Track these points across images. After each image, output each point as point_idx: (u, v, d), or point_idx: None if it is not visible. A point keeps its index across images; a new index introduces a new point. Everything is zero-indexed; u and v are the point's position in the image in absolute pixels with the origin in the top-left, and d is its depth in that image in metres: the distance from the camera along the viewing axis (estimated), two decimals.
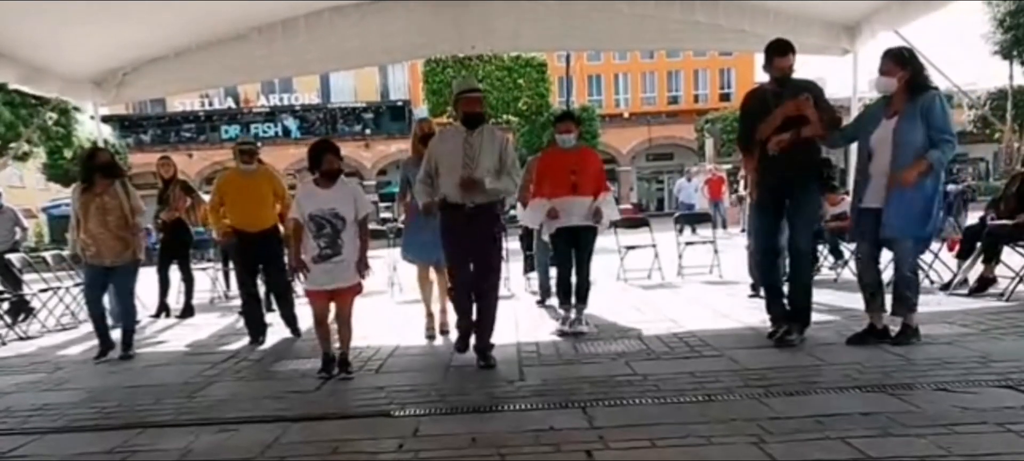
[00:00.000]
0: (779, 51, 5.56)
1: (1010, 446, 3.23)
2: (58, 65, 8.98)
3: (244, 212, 7.00)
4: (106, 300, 7.00)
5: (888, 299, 5.49)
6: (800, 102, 5.35)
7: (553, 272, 8.24)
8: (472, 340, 5.62)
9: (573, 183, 6.46)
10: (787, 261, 5.85)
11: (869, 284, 5.48)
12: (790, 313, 5.71)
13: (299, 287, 6.40)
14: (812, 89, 5.54)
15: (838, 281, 8.88)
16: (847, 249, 9.11)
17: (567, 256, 6.68)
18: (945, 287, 7.54)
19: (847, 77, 9.91)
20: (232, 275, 11.31)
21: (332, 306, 5.38)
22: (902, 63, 5.16)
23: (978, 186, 34.45)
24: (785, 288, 5.84)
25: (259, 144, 7.81)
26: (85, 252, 6.57)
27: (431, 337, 6.84)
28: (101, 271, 6.61)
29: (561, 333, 6.53)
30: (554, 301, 8.04)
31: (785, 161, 5.44)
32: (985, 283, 7.33)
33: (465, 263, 5.53)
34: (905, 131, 5.06)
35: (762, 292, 7.72)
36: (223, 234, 7.20)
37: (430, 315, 6.93)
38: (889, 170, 5.10)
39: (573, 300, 6.69)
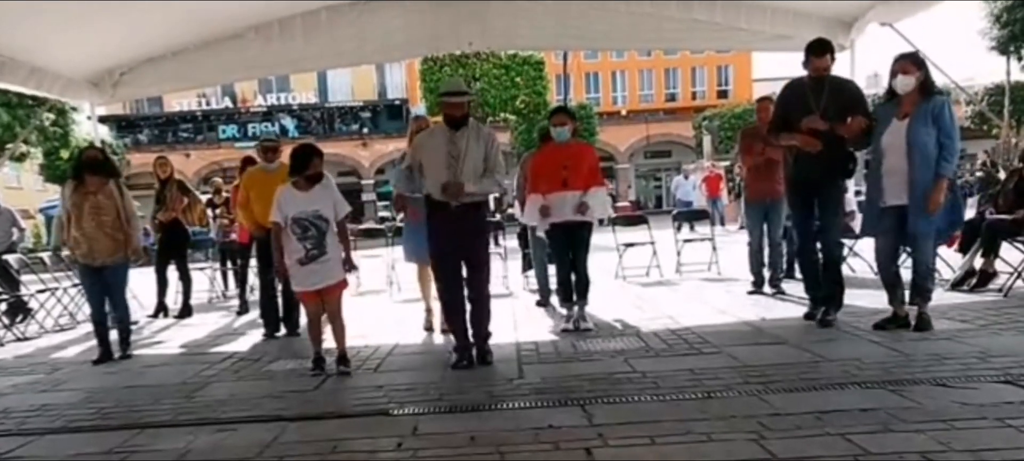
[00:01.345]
0: (817, 51, 5.78)
1: (1009, 441, 3.22)
2: (54, 65, 8.97)
3: (265, 208, 7.02)
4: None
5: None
6: (851, 126, 5.58)
7: (552, 270, 8.24)
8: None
9: (564, 178, 6.39)
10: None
11: (889, 279, 5.71)
12: (825, 298, 6.10)
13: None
14: (852, 90, 5.89)
15: None
16: (845, 245, 9.10)
17: (564, 254, 6.62)
18: (955, 286, 7.47)
19: (844, 73, 9.89)
20: (230, 275, 11.38)
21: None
22: (918, 65, 5.40)
23: (975, 182, 34.47)
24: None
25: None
26: (75, 251, 6.48)
27: (429, 329, 6.86)
28: (94, 271, 6.52)
29: (564, 331, 6.51)
30: (555, 300, 8.04)
31: (815, 158, 5.68)
32: (986, 277, 7.33)
33: (452, 262, 5.46)
34: (918, 133, 5.27)
35: (766, 288, 8.00)
36: (253, 228, 7.34)
37: (429, 311, 6.95)
38: (907, 169, 5.32)
39: (573, 297, 6.65)
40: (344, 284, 5.59)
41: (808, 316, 6.23)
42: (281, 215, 5.34)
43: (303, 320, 7.25)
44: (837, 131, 5.61)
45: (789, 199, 6.26)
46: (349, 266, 5.58)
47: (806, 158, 5.78)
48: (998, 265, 7.34)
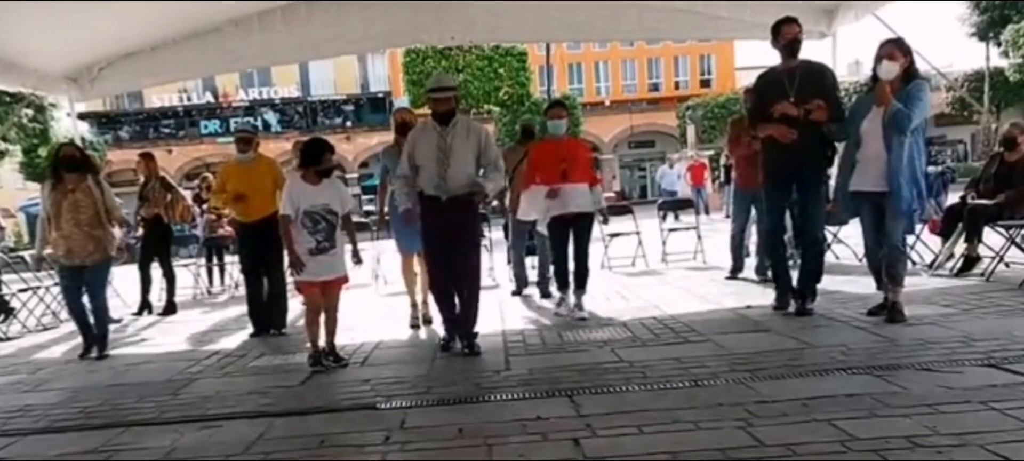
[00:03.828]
0: (785, 21, 5.85)
1: (994, 424, 3.25)
2: (32, 60, 8.87)
3: (243, 201, 7.00)
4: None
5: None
6: (813, 112, 5.58)
7: (530, 262, 8.32)
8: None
9: (564, 171, 6.50)
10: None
11: (876, 264, 5.73)
12: (797, 291, 6.08)
13: (288, 280, 6.45)
14: (825, 74, 5.83)
15: None
16: (829, 233, 9.15)
17: (563, 245, 6.71)
18: (930, 266, 7.57)
19: (825, 60, 9.90)
20: (215, 272, 11.34)
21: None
22: (905, 52, 5.38)
23: (957, 168, 34.81)
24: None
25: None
26: (56, 251, 6.36)
27: (416, 327, 6.84)
28: (75, 271, 6.41)
29: (557, 315, 6.62)
30: (530, 291, 8.20)
31: (793, 151, 5.67)
32: (970, 262, 7.39)
33: (444, 255, 5.56)
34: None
35: (743, 274, 8.12)
36: (225, 208, 7.44)
37: (415, 306, 6.94)
38: (884, 155, 5.29)
39: (572, 286, 6.75)
40: (345, 279, 5.64)
41: (777, 307, 6.18)
42: (292, 207, 5.34)
43: (289, 316, 7.28)
44: (810, 116, 5.61)
45: (765, 190, 6.19)
46: (356, 259, 5.67)
47: (779, 147, 5.77)
48: (980, 250, 7.39)
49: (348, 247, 5.61)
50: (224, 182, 7.22)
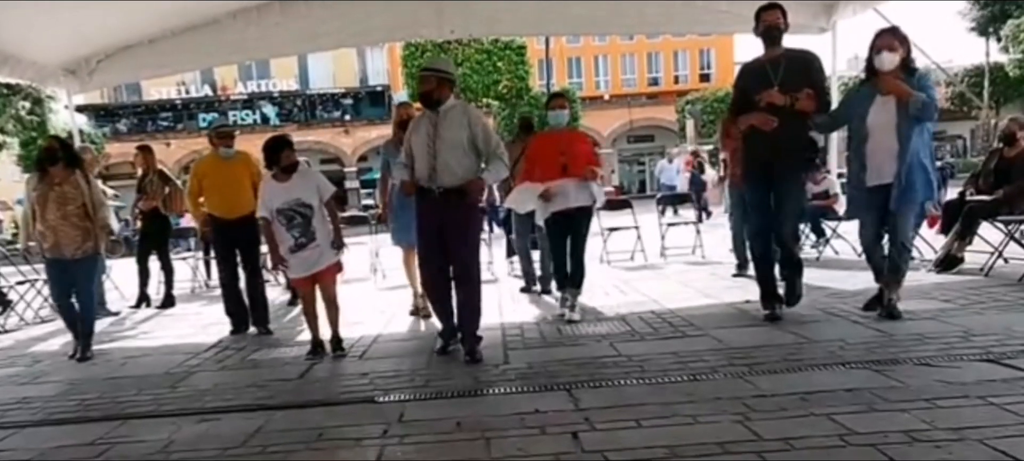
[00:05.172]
0: (766, 8, 5.64)
1: (992, 419, 3.25)
2: (29, 52, 8.85)
3: (222, 198, 6.86)
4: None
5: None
6: (801, 101, 5.37)
7: (535, 256, 8.22)
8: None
9: (563, 164, 6.30)
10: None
11: (876, 259, 5.61)
12: (784, 290, 5.83)
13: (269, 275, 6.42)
14: (811, 62, 5.56)
15: (820, 260, 8.93)
16: (829, 227, 9.16)
17: (562, 242, 6.52)
18: (939, 265, 7.49)
19: (825, 55, 9.90)
20: (214, 264, 11.31)
21: (317, 289, 5.64)
22: (902, 41, 5.29)
23: (956, 163, 34.83)
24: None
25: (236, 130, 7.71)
26: (42, 244, 6.22)
27: (415, 314, 6.82)
28: (62, 265, 6.22)
29: (560, 317, 6.47)
30: (537, 287, 8.06)
31: (772, 142, 5.43)
32: (953, 261, 7.37)
33: (439, 254, 5.20)
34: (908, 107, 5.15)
35: (749, 271, 7.79)
36: (202, 222, 7.11)
37: (416, 293, 6.91)
38: (897, 147, 5.19)
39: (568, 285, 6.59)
40: (337, 268, 5.67)
41: (767, 315, 5.74)
42: (266, 209, 5.45)
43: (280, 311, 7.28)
44: (797, 106, 5.37)
45: (745, 187, 5.94)
46: (338, 244, 5.60)
47: (759, 138, 5.50)
48: (979, 246, 7.38)
49: (331, 231, 5.58)
50: (200, 181, 6.96)
